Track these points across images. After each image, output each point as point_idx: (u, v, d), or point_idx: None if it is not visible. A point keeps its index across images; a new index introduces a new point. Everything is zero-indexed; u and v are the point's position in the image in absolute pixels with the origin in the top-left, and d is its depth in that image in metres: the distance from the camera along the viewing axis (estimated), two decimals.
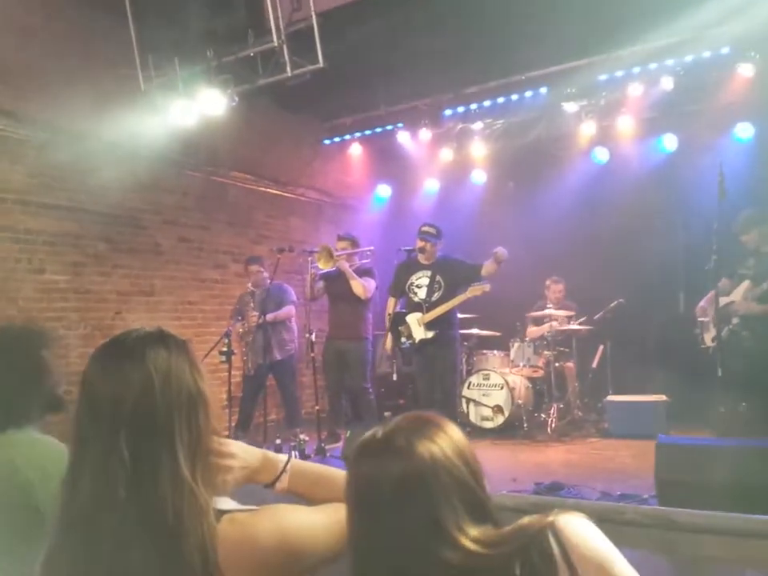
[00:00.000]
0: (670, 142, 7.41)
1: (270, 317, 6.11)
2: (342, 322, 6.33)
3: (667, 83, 6.73)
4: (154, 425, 1.12)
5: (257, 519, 1.17)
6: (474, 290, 5.69)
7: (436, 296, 5.85)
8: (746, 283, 5.30)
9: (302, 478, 1.34)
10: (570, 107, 7.28)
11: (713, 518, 2.55)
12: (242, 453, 1.28)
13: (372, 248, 6.49)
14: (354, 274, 6.19)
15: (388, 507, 1.04)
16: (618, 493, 3.94)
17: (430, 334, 5.78)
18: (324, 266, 6.18)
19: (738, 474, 3.10)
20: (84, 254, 6.02)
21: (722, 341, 5.10)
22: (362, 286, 6.15)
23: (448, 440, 1.08)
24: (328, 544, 1.21)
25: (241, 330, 6.25)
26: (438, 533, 1.02)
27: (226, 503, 1.20)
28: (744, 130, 6.96)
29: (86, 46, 5.96)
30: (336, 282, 6.29)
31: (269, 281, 6.22)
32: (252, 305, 6.21)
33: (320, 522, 1.24)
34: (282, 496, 1.34)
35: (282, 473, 1.32)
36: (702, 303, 5.69)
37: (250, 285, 6.34)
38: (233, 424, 6.12)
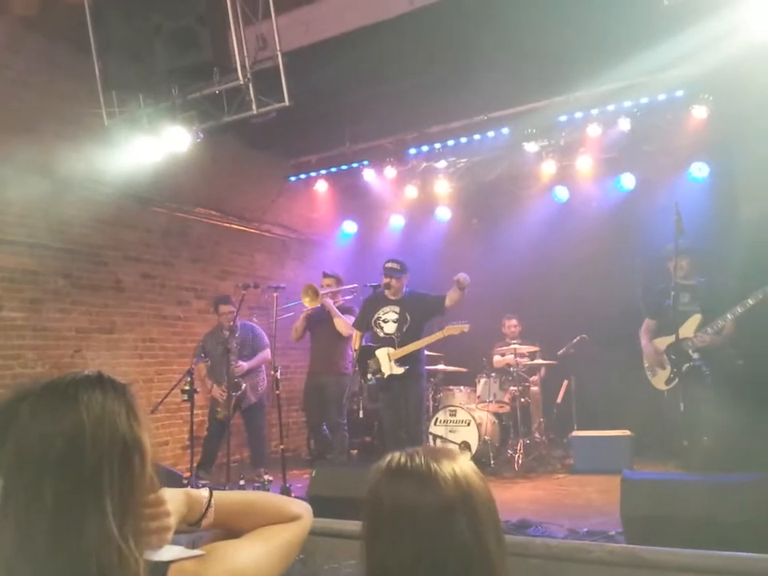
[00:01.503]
0: (628, 181, 7.57)
1: (245, 367, 6.15)
2: (322, 358, 6.44)
3: (624, 124, 6.91)
4: (82, 475, 1.05)
5: (207, 568, 1.13)
6: (450, 329, 5.67)
7: (405, 331, 5.83)
8: (695, 318, 5.36)
9: (227, 510, 1.29)
10: (531, 147, 7.41)
11: (679, 556, 2.55)
12: (171, 504, 1.21)
13: (356, 285, 6.58)
14: (338, 312, 6.30)
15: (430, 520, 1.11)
16: (585, 530, 3.91)
17: (400, 370, 5.71)
18: (310, 304, 6.31)
19: (703, 509, 3.11)
20: (42, 290, 5.89)
21: (683, 375, 5.18)
22: (345, 324, 6.26)
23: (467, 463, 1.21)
24: (272, 572, 1.24)
25: (223, 390, 6.09)
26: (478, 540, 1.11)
27: (168, 551, 1.15)
28: (699, 170, 7.14)
29: (49, 81, 5.92)
30: (318, 319, 6.39)
31: (233, 321, 6.13)
32: (234, 355, 6.08)
33: (262, 553, 1.24)
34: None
35: (207, 509, 1.27)
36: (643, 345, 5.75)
37: (225, 330, 6.19)
38: (194, 464, 5.96)
